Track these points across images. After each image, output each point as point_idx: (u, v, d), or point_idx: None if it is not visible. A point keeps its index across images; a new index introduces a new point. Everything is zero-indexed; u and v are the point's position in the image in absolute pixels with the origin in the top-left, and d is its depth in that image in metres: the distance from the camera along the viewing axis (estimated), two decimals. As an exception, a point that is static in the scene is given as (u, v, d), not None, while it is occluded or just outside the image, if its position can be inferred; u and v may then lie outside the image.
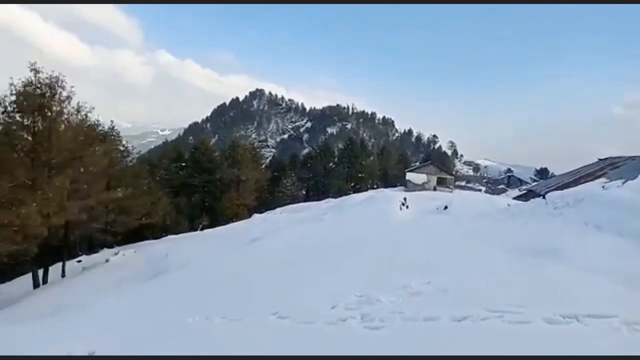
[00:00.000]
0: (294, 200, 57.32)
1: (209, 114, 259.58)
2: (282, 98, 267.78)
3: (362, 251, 9.87)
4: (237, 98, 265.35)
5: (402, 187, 50.46)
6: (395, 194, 27.76)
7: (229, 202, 48.96)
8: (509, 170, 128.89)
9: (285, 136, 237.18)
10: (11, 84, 19.10)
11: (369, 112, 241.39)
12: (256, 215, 37.29)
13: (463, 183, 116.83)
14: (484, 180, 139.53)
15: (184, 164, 53.16)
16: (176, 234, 36.83)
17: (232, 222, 38.07)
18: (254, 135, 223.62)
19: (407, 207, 22.64)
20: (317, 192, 67.14)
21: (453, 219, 15.76)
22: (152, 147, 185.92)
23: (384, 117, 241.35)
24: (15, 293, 20.65)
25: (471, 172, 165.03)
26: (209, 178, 51.07)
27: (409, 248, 9.70)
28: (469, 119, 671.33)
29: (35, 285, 22.13)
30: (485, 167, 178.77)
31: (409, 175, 49.50)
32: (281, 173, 64.05)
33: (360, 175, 70.26)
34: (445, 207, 20.86)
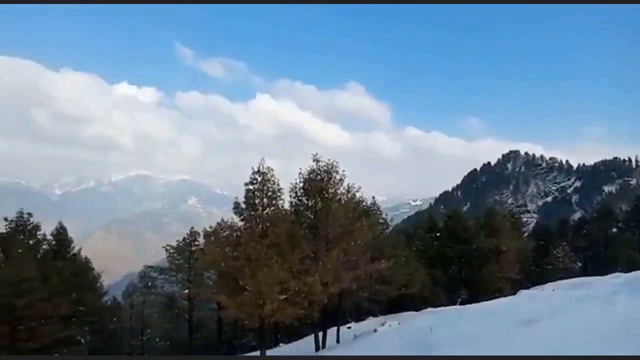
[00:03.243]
0: (568, 274, 48.79)
1: (459, 182, 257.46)
2: (541, 157, 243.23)
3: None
4: (489, 163, 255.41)
5: None
6: None
7: (488, 275, 45.55)
8: None
9: (549, 199, 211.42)
10: (300, 173, 23.55)
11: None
12: (523, 292, 33.22)
13: None
14: None
15: (438, 234, 53.09)
16: (435, 306, 36.21)
17: (495, 297, 35.01)
18: (510, 200, 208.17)
19: None
20: (597, 264, 55.52)
21: None
22: (406, 217, 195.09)
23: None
24: (304, 352, 23.81)
25: None
26: (464, 248, 49.19)
27: None
28: None
29: (317, 347, 24.96)
30: None
31: None
32: (548, 242, 56.17)
33: (661, 242, 54.97)
34: None
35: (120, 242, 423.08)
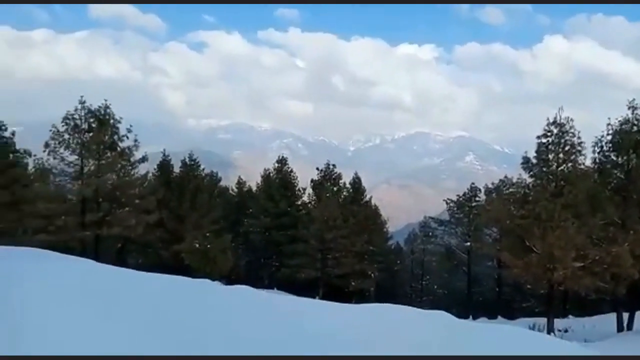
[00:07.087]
0: None
1: None
2: None
3: None
4: None
5: None
6: None
7: None
8: None
9: None
10: (608, 124, 19.63)
11: None
12: None
13: None
14: None
15: None
16: None
17: None
18: None
19: None
20: None
21: None
22: None
23: None
24: (600, 331, 20.91)
25: None
26: None
27: None
28: None
29: (619, 328, 21.34)
30: None
31: None
32: None
33: None
34: None
35: (400, 194, 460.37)
